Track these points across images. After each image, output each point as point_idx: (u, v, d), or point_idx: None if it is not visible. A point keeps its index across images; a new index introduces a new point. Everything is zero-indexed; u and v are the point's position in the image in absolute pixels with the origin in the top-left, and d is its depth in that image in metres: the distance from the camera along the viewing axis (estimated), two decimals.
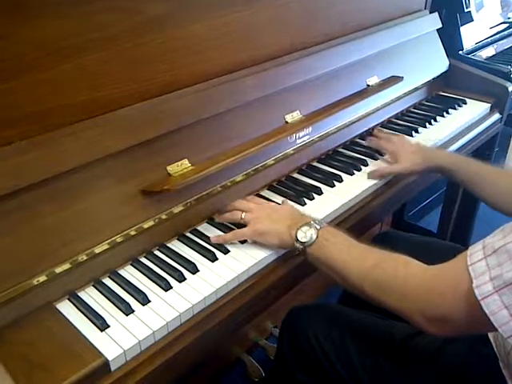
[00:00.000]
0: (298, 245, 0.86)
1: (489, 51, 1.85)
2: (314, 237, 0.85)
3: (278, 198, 1.08)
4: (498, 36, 1.94)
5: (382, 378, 0.88)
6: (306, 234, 0.85)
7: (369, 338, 0.94)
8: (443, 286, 0.68)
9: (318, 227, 0.86)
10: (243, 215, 0.95)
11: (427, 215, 2.29)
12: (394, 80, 1.38)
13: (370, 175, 1.16)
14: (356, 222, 1.07)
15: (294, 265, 0.94)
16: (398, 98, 1.46)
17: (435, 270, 0.71)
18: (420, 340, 0.91)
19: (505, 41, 1.96)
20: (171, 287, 0.84)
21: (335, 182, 1.13)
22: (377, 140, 1.26)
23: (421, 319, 0.70)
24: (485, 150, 1.60)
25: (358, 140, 1.35)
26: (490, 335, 0.85)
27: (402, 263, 0.76)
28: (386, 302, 0.75)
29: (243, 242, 0.94)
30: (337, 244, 0.84)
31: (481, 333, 0.83)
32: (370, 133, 1.36)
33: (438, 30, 1.61)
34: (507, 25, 2.02)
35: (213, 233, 0.97)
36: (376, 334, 0.94)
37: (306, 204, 1.06)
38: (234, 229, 0.97)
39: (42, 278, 0.79)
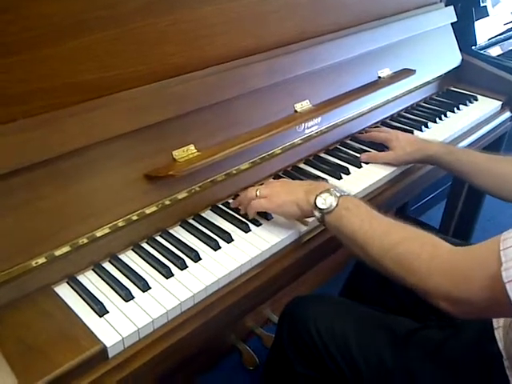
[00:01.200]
0: (316, 212, 0.84)
1: (502, 48, 1.82)
2: (334, 204, 0.81)
3: None
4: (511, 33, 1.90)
5: (382, 372, 0.88)
6: (325, 201, 0.82)
7: (370, 331, 0.93)
8: (470, 268, 0.67)
9: (339, 195, 0.83)
10: (258, 192, 0.93)
11: (430, 210, 2.28)
12: (407, 73, 1.35)
13: (362, 157, 1.17)
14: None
15: (297, 257, 0.93)
16: (409, 92, 1.43)
17: (463, 252, 0.70)
18: (422, 334, 0.90)
19: None
20: (173, 275, 0.82)
21: (342, 175, 1.11)
22: (369, 133, 1.26)
23: (443, 300, 0.69)
24: (492, 149, 1.57)
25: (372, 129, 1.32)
26: (497, 333, 0.83)
27: (429, 243, 0.74)
28: (407, 280, 0.73)
29: (247, 231, 0.93)
30: (358, 214, 0.80)
31: (500, 317, 0.81)
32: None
33: (452, 23, 1.57)
34: None
35: (216, 220, 0.96)
36: (377, 327, 0.93)
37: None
38: (237, 218, 0.95)
39: (41, 260, 0.77)
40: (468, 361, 0.84)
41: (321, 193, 0.84)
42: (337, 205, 0.82)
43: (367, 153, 1.18)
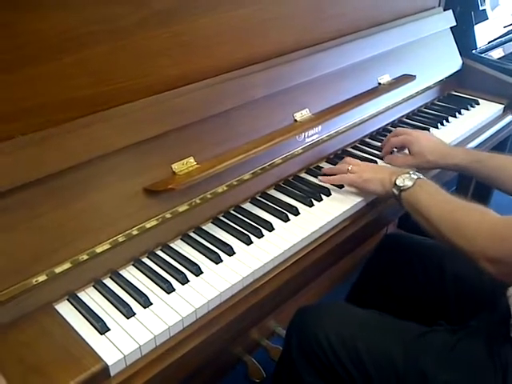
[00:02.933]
0: (395, 190, 0.97)
1: (503, 50, 1.81)
2: (410, 183, 0.95)
3: (286, 199, 1.05)
4: None
5: (394, 376, 0.87)
6: (403, 181, 0.96)
7: (379, 336, 0.92)
8: (505, 230, 0.79)
9: (415, 177, 0.96)
10: (350, 167, 1.07)
11: None
12: (406, 79, 1.34)
13: (387, 159, 1.19)
14: (366, 223, 1.04)
15: (300, 269, 0.92)
16: (410, 97, 1.43)
17: (505, 219, 0.81)
18: (432, 337, 0.90)
19: None
20: (174, 289, 0.81)
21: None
22: (387, 139, 1.23)
23: (485, 261, 0.80)
24: (497, 152, 1.56)
25: (367, 140, 1.32)
26: None
27: (479, 210, 0.86)
28: (457, 243, 0.84)
29: (249, 243, 0.92)
30: (428, 191, 0.93)
31: None
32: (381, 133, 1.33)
33: (451, 27, 1.57)
34: None
35: (218, 233, 0.95)
36: (386, 332, 0.93)
37: (313, 205, 1.03)
38: (239, 230, 0.94)
39: (42, 278, 0.77)
40: (482, 363, 0.83)
41: (402, 174, 0.98)
42: (413, 184, 0.95)
43: (390, 156, 1.20)
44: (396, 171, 1.00)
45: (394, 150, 1.23)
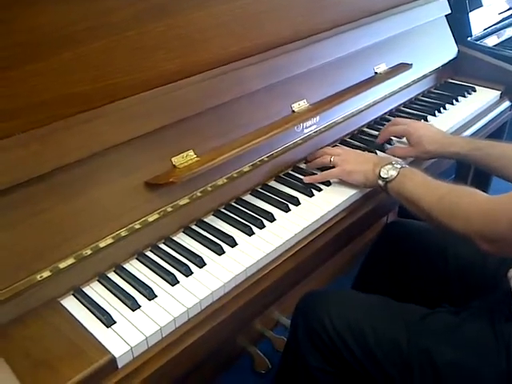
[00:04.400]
0: (380, 181, 0.98)
1: (498, 37, 1.81)
2: (395, 174, 0.95)
3: (286, 189, 1.06)
4: (507, 21, 1.89)
5: (398, 357, 0.88)
6: (387, 172, 0.96)
7: (383, 318, 0.93)
8: (499, 209, 0.79)
9: (399, 166, 0.96)
10: (332, 158, 1.06)
11: None
12: (403, 67, 1.34)
13: (388, 152, 1.18)
14: (367, 212, 1.05)
15: (302, 258, 0.93)
16: (407, 86, 1.43)
17: (495, 198, 0.81)
18: (436, 318, 0.91)
19: None
20: (178, 282, 0.82)
21: None
22: (385, 129, 1.23)
23: (481, 240, 0.81)
24: (494, 138, 1.57)
25: (365, 129, 1.32)
26: None
27: (468, 192, 0.87)
28: (450, 225, 0.86)
29: (251, 234, 0.92)
30: (413, 179, 0.94)
31: None
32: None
33: (446, 15, 1.57)
34: None
35: (220, 225, 0.95)
36: (390, 314, 0.94)
37: (314, 195, 1.03)
38: (240, 221, 0.95)
39: (46, 274, 0.77)
40: (485, 342, 0.84)
41: (385, 165, 0.98)
42: (397, 174, 0.95)
43: (391, 147, 1.20)
44: (379, 162, 1.00)
45: (393, 139, 1.23)
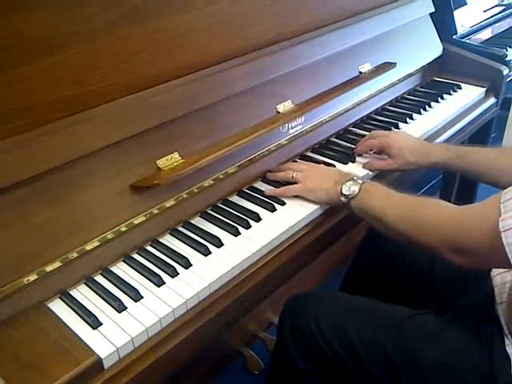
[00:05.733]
0: (342, 198, 0.95)
1: (483, 35, 1.83)
2: (357, 190, 0.93)
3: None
4: (492, 19, 1.91)
5: (383, 359, 0.88)
6: (349, 188, 0.94)
7: (369, 321, 0.93)
8: (471, 220, 0.75)
9: (361, 182, 0.95)
10: (294, 174, 1.04)
11: None
12: (387, 66, 1.36)
13: (366, 166, 1.15)
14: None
15: (288, 257, 0.94)
16: (392, 85, 1.44)
17: (465, 209, 0.78)
18: (420, 320, 0.91)
19: (499, 24, 1.94)
20: (164, 282, 0.83)
21: None
22: (363, 143, 1.19)
23: (452, 253, 0.78)
24: (481, 135, 1.58)
25: (351, 128, 1.33)
26: (500, 308, 0.84)
27: (433, 203, 0.85)
28: (418, 239, 0.83)
29: (237, 235, 0.93)
30: (376, 194, 0.92)
31: (502, 267, 0.86)
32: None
33: (430, 14, 1.58)
34: (502, 8, 2.00)
35: (206, 226, 0.96)
36: (376, 316, 0.94)
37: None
38: (227, 222, 0.96)
39: (33, 277, 0.78)
40: (468, 343, 0.84)
41: (346, 181, 0.96)
42: (359, 190, 0.93)
43: (369, 162, 1.15)
44: (340, 179, 0.97)
45: (370, 152, 1.20)
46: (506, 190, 0.70)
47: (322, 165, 1.10)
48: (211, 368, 1.46)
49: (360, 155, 1.19)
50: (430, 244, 0.81)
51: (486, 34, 1.85)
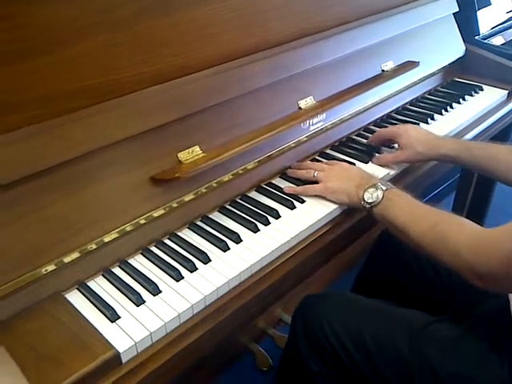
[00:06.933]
0: (365, 205, 0.93)
1: (506, 36, 1.80)
2: (380, 198, 0.91)
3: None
4: None
5: (399, 364, 0.87)
6: (371, 196, 0.92)
7: (385, 325, 0.92)
8: (490, 246, 0.74)
9: (384, 188, 0.92)
10: (316, 173, 1.02)
11: (440, 203, 2.26)
12: (410, 65, 1.34)
13: (375, 161, 1.14)
14: None
15: (307, 255, 0.93)
16: (414, 84, 1.42)
17: (485, 232, 0.78)
18: (438, 328, 0.89)
19: None
20: (183, 277, 0.82)
21: None
22: (376, 133, 1.20)
23: (471, 275, 0.77)
24: (500, 138, 1.56)
25: (372, 127, 1.31)
26: None
27: (456, 223, 0.82)
28: (441, 258, 0.82)
29: (256, 231, 0.92)
30: (399, 205, 0.90)
31: None
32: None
33: (454, 13, 1.56)
34: None
35: (225, 221, 0.95)
36: (392, 320, 0.93)
37: None
38: (245, 218, 0.95)
39: (51, 268, 0.77)
40: (487, 353, 0.83)
41: (368, 187, 0.93)
42: (382, 197, 0.91)
43: (377, 156, 1.15)
44: (361, 183, 0.95)
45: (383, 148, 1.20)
46: None
47: (345, 163, 1.07)
48: (220, 364, 1.45)
49: (371, 146, 1.19)
50: (452, 265, 0.81)
51: (507, 36, 1.81)
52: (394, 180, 1.12)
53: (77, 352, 0.69)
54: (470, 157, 1.05)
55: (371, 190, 0.92)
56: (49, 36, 0.77)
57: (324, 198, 1.01)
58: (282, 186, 1.05)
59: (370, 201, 0.92)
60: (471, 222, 0.82)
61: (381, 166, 1.13)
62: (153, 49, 0.90)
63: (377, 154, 1.16)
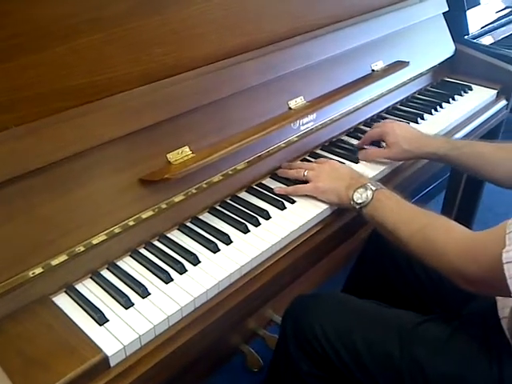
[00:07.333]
0: (354, 205, 0.93)
1: (495, 36, 1.81)
2: (369, 198, 0.91)
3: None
4: (504, 20, 1.89)
5: (389, 366, 0.87)
6: (361, 196, 0.92)
7: (375, 326, 0.92)
8: (478, 250, 0.74)
9: (374, 188, 0.91)
10: (306, 173, 1.02)
11: (429, 203, 2.27)
12: (400, 65, 1.34)
13: (361, 156, 1.15)
14: None
15: (297, 256, 0.92)
16: (403, 84, 1.42)
17: (473, 236, 0.77)
18: (428, 328, 0.89)
19: (510, 25, 1.92)
20: (172, 279, 0.81)
21: None
22: (366, 134, 1.20)
23: (459, 278, 0.77)
24: (489, 138, 1.56)
25: (362, 127, 1.31)
26: (503, 323, 0.83)
27: (444, 226, 0.82)
28: (429, 262, 0.82)
29: (246, 232, 0.91)
30: (388, 206, 0.89)
31: (504, 296, 0.82)
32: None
33: (443, 13, 1.56)
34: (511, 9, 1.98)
35: (215, 222, 0.94)
36: (382, 322, 0.93)
37: None
38: (235, 219, 0.94)
39: (38, 270, 0.76)
40: (477, 355, 0.83)
41: (358, 188, 0.93)
42: (372, 198, 0.90)
43: (363, 151, 1.16)
44: (351, 183, 0.95)
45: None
46: (510, 221, 0.69)
47: (335, 162, 1.07)
48: (210, 365, 1.45)
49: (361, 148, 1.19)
50: (439, 268, 0.81)
51: (497, 36, 1.82)
52: (385, 180, 1.12)
53: (65, 356, 0.68)
54: (457, 155, 1.05)
55: (361, 190, 0.92)
56: (39, 34, 0.76)
57: (314, 198, 1.00)
58: (272, 187, 1.04)
59: (359, 201, 0.92)
60: (460, 226, 0.81)
61: (366, 161, 1.14)
62: (143, 47, 0.89)
63: (364, 150, 1.16)
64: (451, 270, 0.78)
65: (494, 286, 0.72)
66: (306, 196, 1.01)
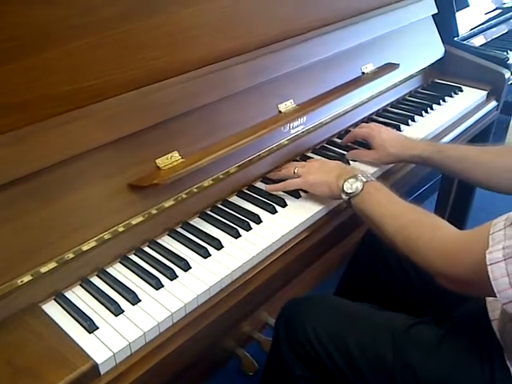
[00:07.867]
0: (343, 195, 0.92)
1: (484, 37, 1.82)
2: (359, 189, 0.90)
3: None
4: (493, 22, 1.90)
5: (382, 368, 0.86)
6: (351, 186, 0.91)
7: (368, 329, 0.92)
8: (462, 250, 0.73)
9: (364, 180, 0.91)
10: (296, 170, 1.03)
11: (422, 204, 2.27)
12: (390, 67, 1.34)
13: (348, 155, 1.16)
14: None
15: (289, 261, 0.92)
16: (394, 86, 1.43)
17: (458, 236, 0.76)
18: (420, 330, 0.89)
19: (501, 27, 1.93)
20: (162, 285, 0.81)
21: None
22: (350, 133, 1.22)
23: (442, 277, 0.77)
24: (480, 139, 1.57)
25: (352, 129, 1.31)
26: (494, 325, 0.83)
27: (430, 224, 0.81)
28: (414, 259, 0.81)
29: (237, 237, 0.91)
30: (377, 198, 0.89)
31: (490, 296, 0.81)
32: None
33: (433, 15, 1.57)
34: (502, 10, 1.99)
35: (205, 227, 0.94)
36: (375, 324, 0.92)
37: (300, 196, 1.02)
38: (227, 223, 0.94)
39: (27, 278, 0.75)
40: (468, 354, 0.83)
41: (349, 178, 0.92)
42: (362, 189, 0.90)
43: (352, 151, 1.17)
44: (342, 174, 0.95)
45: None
46: (495, 221, 0.68)
47: (324, 159, 1.08)
48: (205, 369, 1.44)
49: (346, 146, 1.21)
50: (423, 265, 0.80)
51: (486, 37, 1.83)
52: (379, 179, 1.11)
53: (54, 364, 0.68)
54: (442, 158, 1.06)
55: (351, 180, 0.92)
56: (27, 39, 0.76)
57: (305, 201, 1.00)
58: (264, 190, 1.04)
59: (349, 191, 0.91)
60: (448, 225, 0.80)
61: (354, 160, 1.15)
62: (133, 52, 0.89)
63: (353, 150, 1.18)
64: (432, 268, 0.78)
65: (478, 287, 0.71)
66: (297, 199, 1.01)
